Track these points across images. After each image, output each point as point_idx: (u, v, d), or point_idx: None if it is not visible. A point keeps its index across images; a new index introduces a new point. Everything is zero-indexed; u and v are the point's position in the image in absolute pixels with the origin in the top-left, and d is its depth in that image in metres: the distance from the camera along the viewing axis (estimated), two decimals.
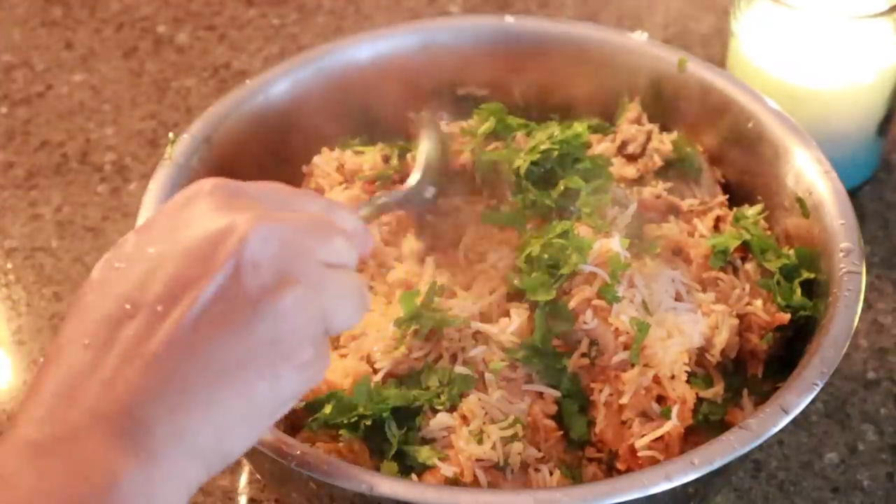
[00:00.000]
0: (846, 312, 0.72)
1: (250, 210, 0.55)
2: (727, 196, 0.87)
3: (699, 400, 0.74)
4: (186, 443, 0.51)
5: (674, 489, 0.64)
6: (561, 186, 0.78)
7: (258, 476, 0.81)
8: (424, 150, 0.82)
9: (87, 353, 0.52)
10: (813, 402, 0.89)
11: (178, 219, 0.55)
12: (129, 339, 0.52)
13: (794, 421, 0.88)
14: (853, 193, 1.04)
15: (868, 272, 0.99)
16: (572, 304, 0.73)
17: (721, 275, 0.79)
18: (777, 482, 0.85)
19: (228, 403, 0.52)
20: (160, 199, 0.79)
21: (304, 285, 0.53)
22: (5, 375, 0.93)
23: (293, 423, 0.73)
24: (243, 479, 0.84)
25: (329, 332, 0.56)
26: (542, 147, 0.79)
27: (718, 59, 1.07)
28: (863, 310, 0.95)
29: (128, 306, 0.52)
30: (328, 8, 1.27)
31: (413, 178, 0.80)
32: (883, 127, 1.02)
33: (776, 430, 0.66)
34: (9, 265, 1.00)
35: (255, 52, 1.21)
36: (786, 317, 0.77)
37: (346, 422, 0.70)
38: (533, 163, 0.79)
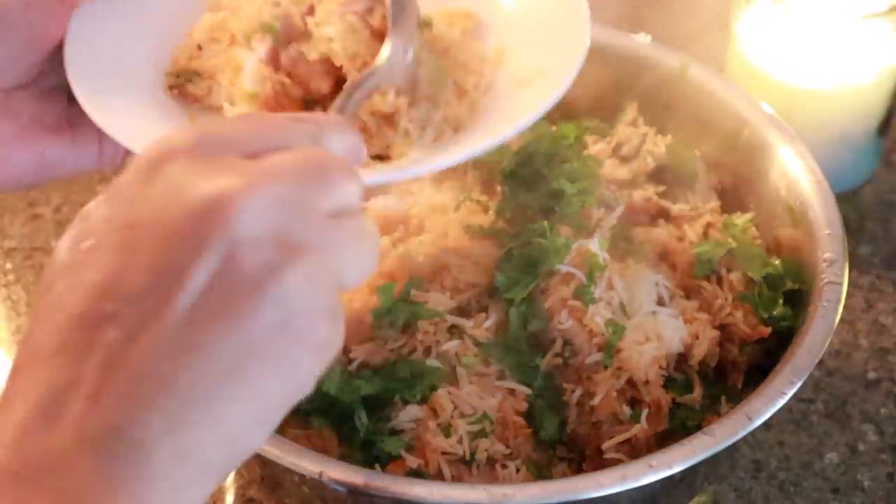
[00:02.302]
0: (822, 323, 0.72)
1: (236, 171, 0.45)
2: (721, 203, 0.87)
3: (677, 405, 0.74)
4: (193, 461, 0.43)
5: (632, 492, 0.64)
6: (542, 189, 0.79)
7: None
8: (392, 4, 0.70)
9: (63, 361, 0.43)
10: (813, 402, 0.90)
11: (152, 186, 0.46)
12: (110, 345, 0.43)
13: (794, 421, 0.88)
14: (853, 193, 1.04)
15: (868, 272, 0.99)
16: (548, 303, 0.74)
17: (704, 284, 0.79)
18: (777, 482, 0.85)
19: (238, 406, 0.44)
20: None
21: (313, 252, 0.45)
22: (5, 375, 0.93)
23: None
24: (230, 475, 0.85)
25: (343, 289, 0.48)
26: (529, 149, 0.80)
27: (718, 59, 1.07)
28: (863, 310, 0.96)
29: (106, 304, 0.43)
30: None
31: (386, 48, 0.68)
32: (883, 127, 1.02)
33: (739, 437, 0.66)
34: (8, 265, 1.00)
35: None
36: (766, 330, 0.77)
37: (316, 409, 0.71)
38: (519, 163, 0.79)
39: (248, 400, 0.44)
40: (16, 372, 0.45)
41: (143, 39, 0.74)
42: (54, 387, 0.43)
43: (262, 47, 0.73)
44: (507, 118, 0.69)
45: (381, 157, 0.71)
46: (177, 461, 0.43)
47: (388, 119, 0.70)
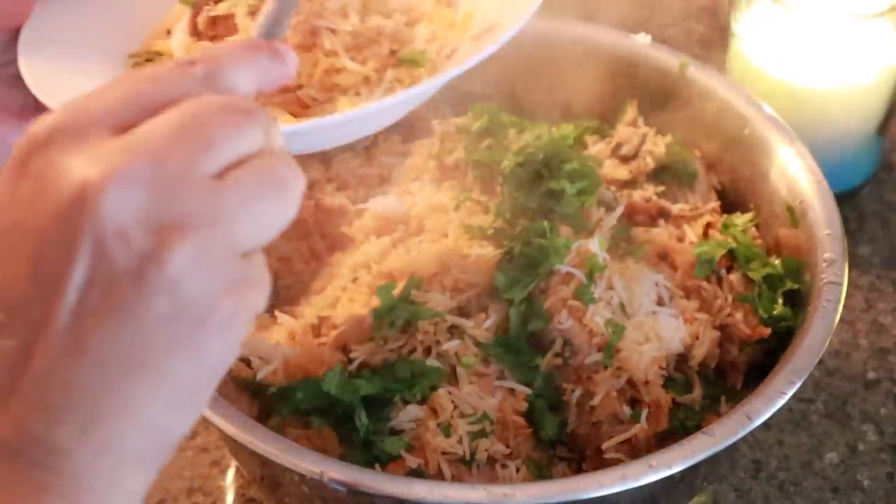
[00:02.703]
0: (822, 323, 0.72)
1: (97, 154, 0.42)
2: (721, 202, 0.87)
3: (676, 405, 0.74)
4: (114, 454, 0.43)
5: (632, 492, 0.64)
6: (541, 189, 0.79)
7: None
8: None
9: None
10: (813, 402, 0.90)
11: (21, 185, 0.43)
12: (7, 354, 0.42)
13: (794, 421, 0.88)
14: (853, 193, 1.04)
15: (868, 272, 0.99)
16: (548, 303, 0.74)
17: (704, 284, 0.79)
18: (777, 482, 0.85)
19: (148, 397, 0.43)
20: None
21: (193, 228, 0.42)
22: None
23: (265, 408, 0.73)
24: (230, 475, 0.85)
25: (252, 251, 0.45)
26: (528, 150, 0.80)
27: (718, 59, 1.07)
28: (863, 310, 0.96)
29: None
30: None
31: None
32: (883, 127, 1.02)
33: (738, 437, 0.66)
34: None
35: None
36: (766, 331, 0.77)
37: (317, 408, 0.71)
38: (519, 164, 0.79)
39: (158, 389, 0.43)
40: None
41: (104, 24, 0.75)
42: None
43: (184, 19, 0.74)
44: (454, 64, 0.69)
45: None
46: (97, 456, 0.42)
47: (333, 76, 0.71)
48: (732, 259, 0.81)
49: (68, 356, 0.42)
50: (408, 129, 0.93)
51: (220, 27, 0.73)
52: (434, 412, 0.71)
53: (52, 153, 0.43)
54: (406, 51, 0.73)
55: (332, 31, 0.71)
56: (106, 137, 0.43)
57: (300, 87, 0.71)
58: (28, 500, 0.41)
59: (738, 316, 0.78)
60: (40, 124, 0.44)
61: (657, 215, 0.84)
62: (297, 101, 0.71)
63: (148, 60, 0.74)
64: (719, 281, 0.80)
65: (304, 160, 0.89)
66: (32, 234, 0.42)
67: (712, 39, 1.21)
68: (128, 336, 0.42)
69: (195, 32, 0.74)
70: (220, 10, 0.73)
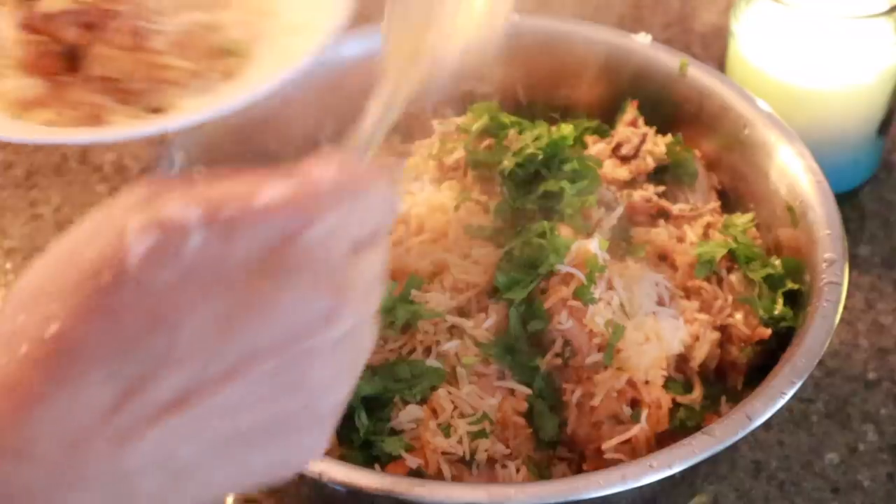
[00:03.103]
0: (822, 323, 0.72)
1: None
2: (721, 202, 0.87)
3: (676, 405, 0.74)
4: None
5: (632, 492, 0.64)
6: (540, 190, 0.79)
7: None
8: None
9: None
10: (813, 402, 0.90)
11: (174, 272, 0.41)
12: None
13: (794, 421, 0.88)
14: (853, 193, 1.04)
15: (868, 272, 0.99)
16: (548, 303, 0.74)
17: (704, 284, 0.79)
18: (777, 482, 0.85)
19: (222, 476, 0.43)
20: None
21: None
22: None
23: None
24: None
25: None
26: (528, 151, 0.80)
27: (718, 59, 1.07)
28: (862, 310, 0.96)
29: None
30: None
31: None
32: (883, 127, 1.02)
33: (739, 437, 0.66)
34: (8, 265, 1.00)
35: None
36: (766, 332, 0.77)
37: None
38: (518, 164, 0.79)
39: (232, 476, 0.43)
40: None
41: None
42: None
43: (15, 15, 0.77)
44: (273, 67, 0.75)
45: (155, 110, 0.75)
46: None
47: (157, 68, 0.76)
48: (732, 259, 0.81)
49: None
50: (408, 129, 0.93)
51: (47, 23, 0.76)
52: (434, 412, 0.71)
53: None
54: (225, 42, 0.78)
55: (157, 31, 0.76)
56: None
57: (125, 81, 0.76)
58: None
59: (739, 317, 0.78)
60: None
61: (657, 215, 0.84)
62: (120, 91, 0.76)
63: None
64: (719, 281, 0.80)
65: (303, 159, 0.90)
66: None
67: (712, 39, 1.21)
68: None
69: (28, 27, 0.77)
70: (48, 5, 0.76)
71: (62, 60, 0.77)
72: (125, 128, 0.72)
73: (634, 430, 0.71)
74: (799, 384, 0.69)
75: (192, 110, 0.73)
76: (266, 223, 0.41)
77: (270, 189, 0.42)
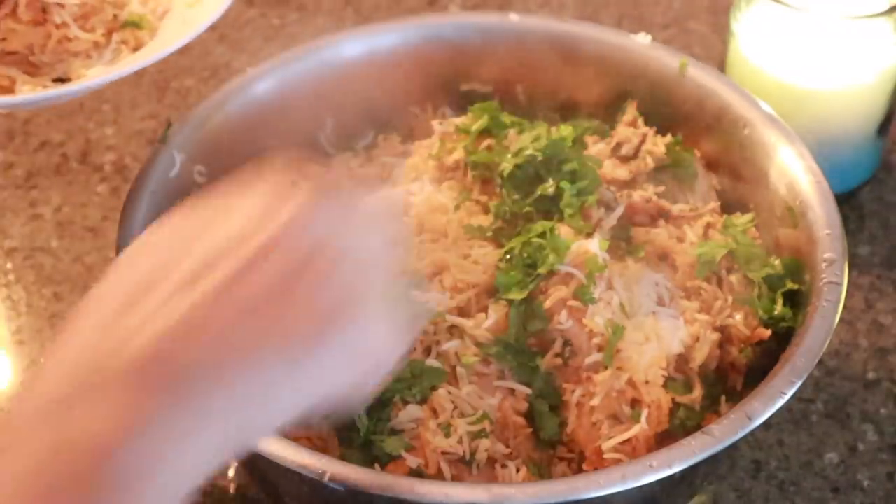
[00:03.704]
0: (821, 323, 0.72)
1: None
2: (721, 202, 0.87)
3: (676, 405, 0.74)
4: (207, 410, 0.47)
5: (632, 492, 0.64)
6: (540, 190, 0.79)
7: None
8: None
9: (106, 312, 0.48)
10: (813, 402, 0.90)
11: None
12: (156, 299, 0.48)
13: (794, 421, 0.88)
14: (853, 193, 1.04)
15: (868, 272, 0.99)
16: (548, 303, 0.74)
17: (704, 285, 0.79)
18: (777, 482, 0.85)
19: (275, 384, 0.49)
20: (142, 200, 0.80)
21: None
22: (5, 375, 0.93)
23: None
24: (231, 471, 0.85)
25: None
26: (527, 151, 0.80)
27: (718, 59, 1.07)
28: (862, 310, 0.96)
29: (160, 267, 0.49)
30: (328, 8, 1.27)
31: None
32: (883, 127, 1.02)
33: (738, 437, 0.66)
34: (9, 265, 1.00)
35: (255, 52, 1.21)
36: (766, 332, 0.77)
37: None
38: (518, 164, 0.79)
39: (287, 380, 0.50)
40: (60, 338, 0.49)
41: None
42: (101, 328, 0.48)
43: None
44: (174, 37, 0.81)
45: (62, 80, 0.81)
46: (206, 392, 0.47)
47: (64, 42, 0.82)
48: (732, 260, 0.81)
49: (219, 311, 0.48)
50: (408, 129, 0.93)
51: None
52: (434, 412, 0.71)
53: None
54: (126, 14, 0.85)
55: (61, 5, 0.81)
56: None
57: (33, 53, 0.82)
58: (132, 419, 0.46)
59: (738, 317, 0.78)
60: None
61: (657, 215, 0.84)
62: (30, 63, 0.82)
63: None
64: (719, 282, 0.80)
65: (303, 160, 0.90)
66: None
67: (712, 39, 1.21)
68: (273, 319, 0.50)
69: None
70: None
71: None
72: (32, 94, 0.79)
73: (634, 430, 0.71)
74: (799, 384, 0.69)
75: (92, 78, 0.79)
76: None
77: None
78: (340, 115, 0.93)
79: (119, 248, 0.76)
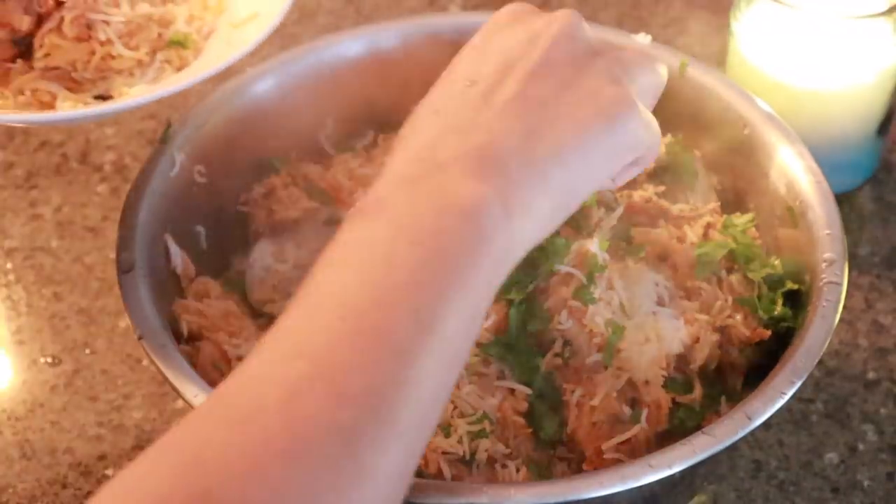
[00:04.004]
0: (821, 323, 0.72)
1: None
2: (721, 202, 0.87)
3: (676, 405, 0.74)
4: (537, 175, 0.58)
5: (632, 492, 0.64)
6: None
7: None
8: None
9: (438, 117, 0.60)
10: (812, 402, 0.90)
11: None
12: (474, 100, 0.60)
13: (794, 421, 0.88)
14: (853, 193, 1.04)
15: (868, 272, 0.99)
16: (548, 303, 0.74)
17: (704, 285, 0.79)
18: (777, 482, 0.85)
19: (572, 143, 0.59)
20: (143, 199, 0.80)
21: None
22: (5, 375, 0.93)
23: None
24: None
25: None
26: None
27: (718, 59, 1.07)
28: (862, 310, 0.96)
29: (468, 81, 0.61)
30: (328, 8, 1.27)
31: None
32: (883, 127, 1.02)
33: (738, 437, 0.66)
34: (9, 265, 1.00)
35: (255, 52, 1.21)
36: (766, 333, 0.77)
37: None
38: None
39: (597, 147, 0.61)
40: (401, 136, 0.61)
41: None
42: (434, 130, 0.59)
43: None
44: (219, 58, 0.82)
45: (103, 98, 0.81)
46: (525, 171, 0.58)
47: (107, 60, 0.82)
48: (732, 260, 0.81)
49: (522, 102, 0.60)
50: None
51: None
52: None
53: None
54: (171, 33, 0.85)
55: (106, 22, 0.81)
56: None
57: (76, 70, 0.81)
58: (477, 189, 0.56)
59: (738, 318, 0.78)
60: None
61: (657, 215, 0.84)
62: (72, 80, 0.81)
63: None
64: (719, 282, 0.80)
65: (303, 159, 0.90)
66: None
67: (712, 39, 1.21)
68: (567, 95, 0.61)
69: None
70: None
71: (14, 49, 0.82)
72: (72, 111, 0.78)
73: (634, 430, 0.71)
74: (799, 384, 0.69)
75: (134, 96, 0.79)
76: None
77: None
78: (340, 115, 0.93)
79: (119, 248, 0.76)
